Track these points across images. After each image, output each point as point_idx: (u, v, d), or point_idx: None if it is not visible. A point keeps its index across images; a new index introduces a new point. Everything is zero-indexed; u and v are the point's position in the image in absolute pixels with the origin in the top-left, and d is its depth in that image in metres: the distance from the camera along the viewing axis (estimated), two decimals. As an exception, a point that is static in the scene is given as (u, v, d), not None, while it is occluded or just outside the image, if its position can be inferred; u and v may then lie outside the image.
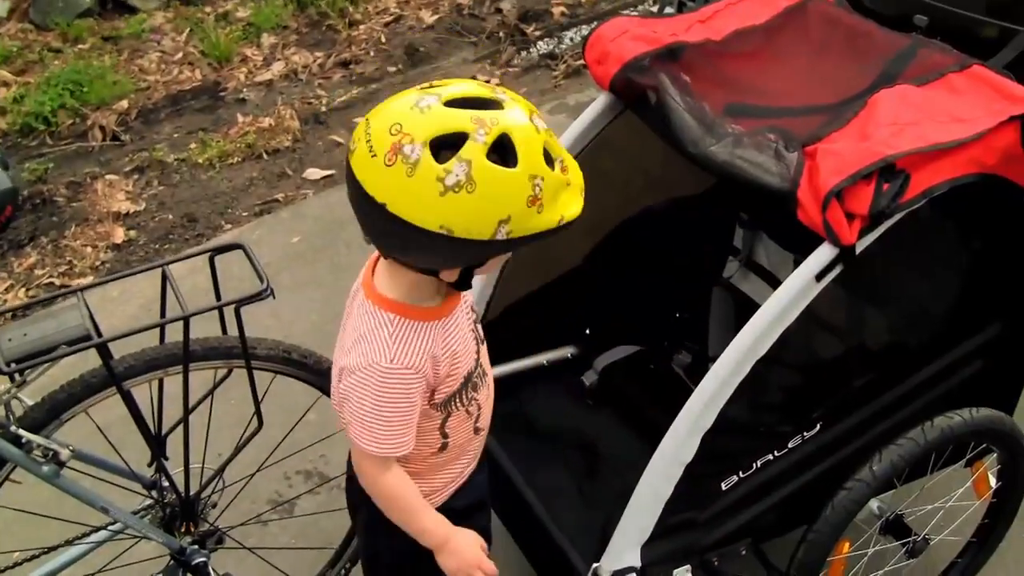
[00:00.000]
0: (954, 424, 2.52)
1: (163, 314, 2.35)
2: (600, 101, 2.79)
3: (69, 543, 2.53)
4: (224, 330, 2.38)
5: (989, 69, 2.38)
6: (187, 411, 2.37)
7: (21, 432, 2.18)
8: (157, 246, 4.82)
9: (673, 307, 3.16)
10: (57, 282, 4.57)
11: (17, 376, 2.11)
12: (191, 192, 5.20)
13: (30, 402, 2.24)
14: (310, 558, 3.04)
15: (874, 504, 2.66)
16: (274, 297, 2.24)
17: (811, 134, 2.26)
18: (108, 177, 5.27)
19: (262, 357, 2.44)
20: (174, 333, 2.28)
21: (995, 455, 2.76)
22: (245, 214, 5.02)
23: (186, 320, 2.18)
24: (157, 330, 2.31)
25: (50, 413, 2.24)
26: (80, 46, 6.30)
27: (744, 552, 2.58)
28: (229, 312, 2.28)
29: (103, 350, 2.20)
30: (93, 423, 2.44)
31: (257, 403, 2.45)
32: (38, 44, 6.28)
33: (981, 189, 2.25)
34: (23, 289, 4.52)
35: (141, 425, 2.35)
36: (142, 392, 2.39)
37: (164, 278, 2.29)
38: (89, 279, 4.56)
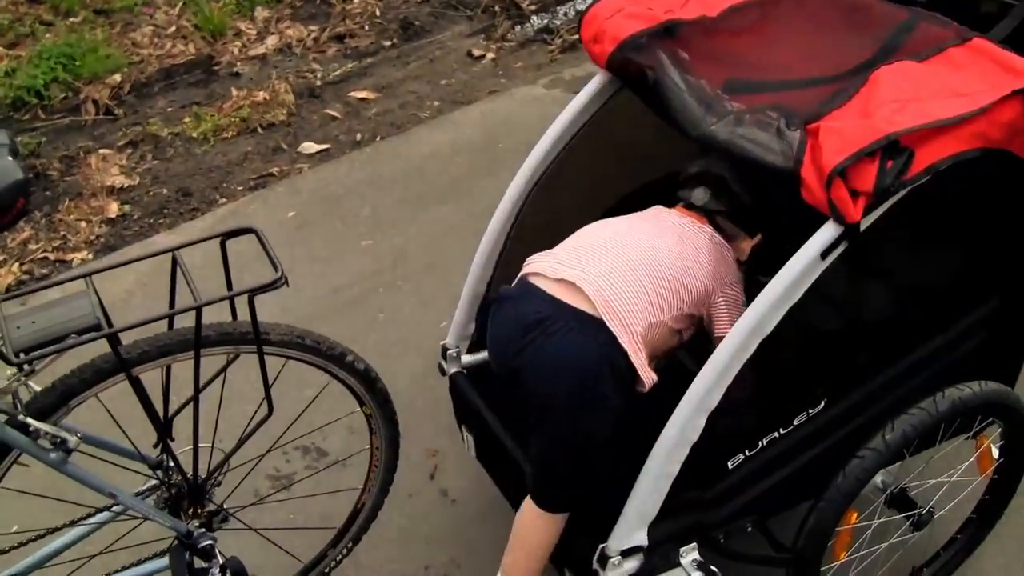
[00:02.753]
0: (965, 396, 2.54)
1: (172, 301, 2.31)
2: (598, 79, 2.79)
3: (73, 523, 2.52)
4: (234, 315, 2.37)
5: (990, 42, 2.37)
6: (197, 397, 2.36)
7: (29, 420, 2.16)
8: (151, 220, 4.81)
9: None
10: (51, 257, 4.56)
11: (26, 365, 2.10)
12: (185, 166, 5.19)
13: (37, 388, 2.22)
14: (311, 536, 3.05)
15: (879, 477, 2.68)
16: (288, 285, 2.21)
17: (813, 111, 2.25)
18: (102, 151, 5.25)
19: (275, 342, 2.43)
20: (184, 318, 2.27)
21: (998, 430, 2.77)
22: (240, 188, 5.01)
23: (199, 310, 2.17)
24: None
25: (60, 399, 2.21)
26: (72, 19, 6.25)
27: (750, 529, 2.60)
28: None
29: (113, 339, 2.18)
30: (102, 405, 2.42)
31: (268, 389, 2.44)
32: (30, 17, 6.22)
33: (985, 163, 2.24)
34: (16, 264, 4.51)
35: (149, 410, 2.34)
36: (149, 372, 2.37)
37: (174, 263, 2.27)
38: (84, 254, 4.55)
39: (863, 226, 2.18)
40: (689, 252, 2.58)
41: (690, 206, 2.72)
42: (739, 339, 2.23)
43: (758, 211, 2.69)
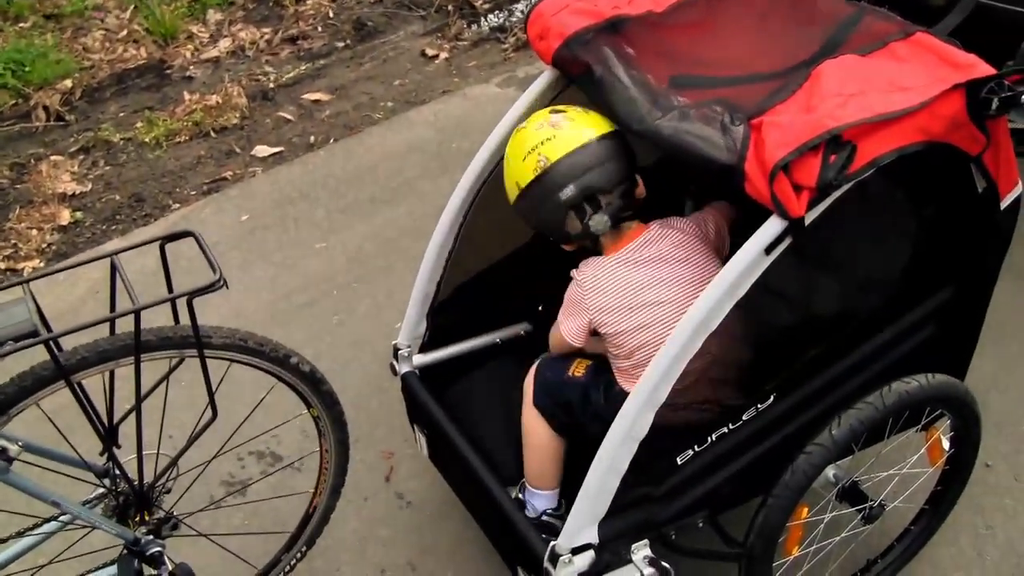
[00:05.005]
0: (911, 389, 2.55)
1: (113, 306, 2.30)
2: (545, 76, 2.79)
3: (20, 534, 2.49)
4: (176, 319, 2.34)
5: (933, 36, 2.38)
6: (139, 403, 2.33)
7: (-34, 430, 2.14)
8: (104, 227, 4.77)
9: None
10: (1, 266, 4.50)
11: (-39, 373, 2.07)
12: (138, 172, 5.15)
13: (-26, 397, 2.20)
14: (265, 542, 3.02)
15: (830, 471, 2.68)
16: (227, 287, 2.20)
17: (756, 106, 2.25)
18: (53, 158, 5.21)
19: (217, 346, 2.40)
20: (125, 323, 2.24)
21: (948, 422, 2.79)
22: (193, 193, 4.98)
23: (137, 313, 2.14)
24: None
25: (1, 407, 2.19)
26: (21, 24, 6.21)
27: (701, 524, 2.59)
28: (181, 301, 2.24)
29: (52, 346, 2.16)
30: (44, 414, 2.40)
31: (211, 393, 2.42)
32: (-23, 24, 6.19)
33: (928, 156, 2.25)
34: (-33, 274, 4.47)
35: (91, 417, 2.32)
36: (94, 378, 2.34)
37: (113, 268, 2.24)
38: (35, 262, 4.51)
39: (807, 220, 2.18)
40: (691, 270, 2.62)
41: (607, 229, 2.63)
42: (685, 335, 2.23)
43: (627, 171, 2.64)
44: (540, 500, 2.80)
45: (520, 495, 2.83)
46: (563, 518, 2.65)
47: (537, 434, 2.78)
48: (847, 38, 2.46)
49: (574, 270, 2.69)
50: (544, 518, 2.78)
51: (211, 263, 2.20)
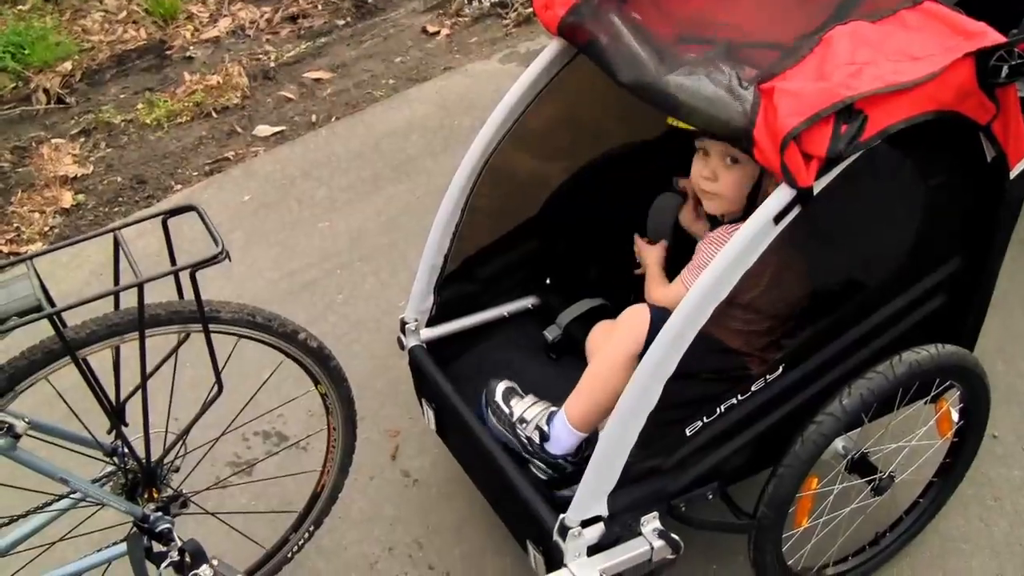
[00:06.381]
0: (921, 359, 2.54)
1: (116, 280, 2.29)
2: (552, 47, 2.77)
3: (34, 512, 2.48)
4: (180, 294, 2.33)
5: (940, 4, 2.37)
6: (144, 378, 2.32)
7: (-28, 406, 2.13)
8: (106, 209, 4.75)
9: (634, 256, 3.15)
10: (4, 249, 4.49)
11: (-34, 350, 2.06)
12: (139, 153, 5.13)
13: (-19, 376, 2.18)
14: (273, 522, 3.02)
15: (839, 443, 2.68)
16: (230, 260, 2.19)
17: (765, 70, 2.24)
18: (54, 141, 5.18)
19: (226, 321, 2.39)
20: (129, 299, 2.23)
21: (957, 394, 2.78)
22: (195, 174, 4.96)
23: (140, 286, 2.13)
24: (111, 296, 2.26)
25: (9, 382, 2.18)
26: (20, 7, 6.17)
27: (711, 496, 2.59)
28: (184, 275, 2.23)
29: (56, 320, 2.15)
30: (54, 389, 2.38)
31: (216, 367, 2.41)
32: (-25, 7, 6.16)
33: (938, 125, 2.23)
34: (-30, 257, 4.45)
35: (97, 394, 2.31)
36: (104, 355, 2.34)
37: (116, 243, 2.23)
38: (38, 245, 4.49)
39: (816, 190, 2.16)
40: None
41: None
42: (693, 305, 2.22)
43: None
44: (569, 439, 2.67)
45: (545, 426, 2.70)
46: (577, 464, 2.62)
47: (623, 383, 2.43)
48: (855, 7, 2.44)
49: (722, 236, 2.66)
50: (563, 461, 2.68)
51: (213, 236, 2.18)
